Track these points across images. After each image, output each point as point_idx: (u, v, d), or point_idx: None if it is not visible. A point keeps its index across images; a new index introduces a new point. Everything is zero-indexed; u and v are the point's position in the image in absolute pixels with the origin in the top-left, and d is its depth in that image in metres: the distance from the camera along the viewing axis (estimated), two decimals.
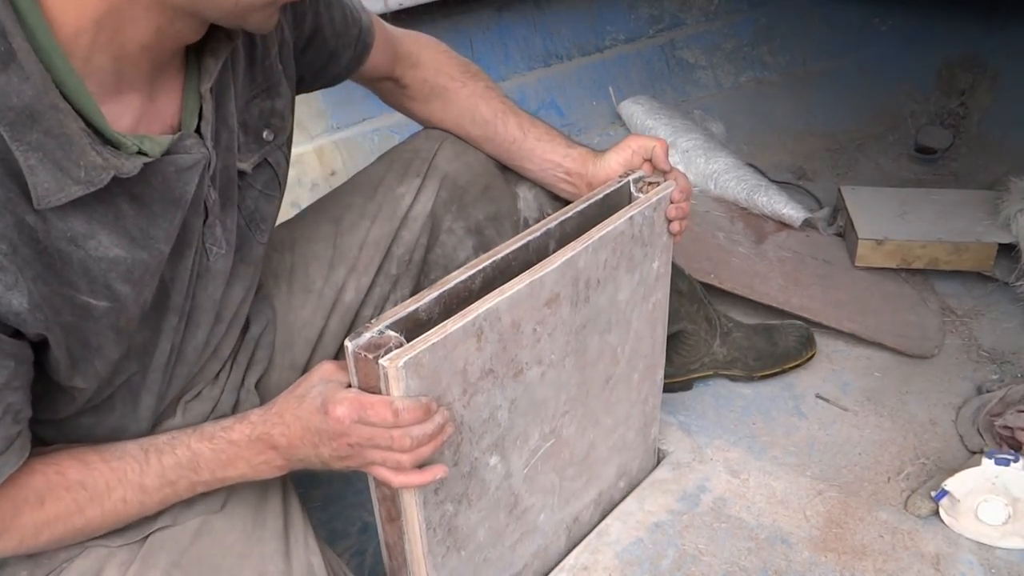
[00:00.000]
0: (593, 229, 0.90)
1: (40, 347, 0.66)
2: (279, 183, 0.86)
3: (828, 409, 1.36)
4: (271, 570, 0.80)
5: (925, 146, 2.33)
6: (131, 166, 0.65)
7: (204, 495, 0.83)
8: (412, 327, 0.74)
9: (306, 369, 0.98)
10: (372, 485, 0.81)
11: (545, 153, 1.05)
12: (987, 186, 1.88)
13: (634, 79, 2.32)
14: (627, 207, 0.95)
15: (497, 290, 0.79)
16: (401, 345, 0.71)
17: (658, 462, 1.24)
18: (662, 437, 1.27)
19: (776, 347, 1.39)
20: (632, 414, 1.10)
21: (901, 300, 1.61)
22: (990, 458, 1.08)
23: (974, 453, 1.23)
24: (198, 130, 0.73)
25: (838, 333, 1.51)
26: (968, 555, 1.07)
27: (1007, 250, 1.63)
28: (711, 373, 1.38)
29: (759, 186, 1.84)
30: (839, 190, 1.84)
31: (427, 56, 1.07)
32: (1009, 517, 1.07)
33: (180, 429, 0.79)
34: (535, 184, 1.10)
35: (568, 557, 1.07)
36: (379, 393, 0.72)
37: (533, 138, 1.06)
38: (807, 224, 1.80)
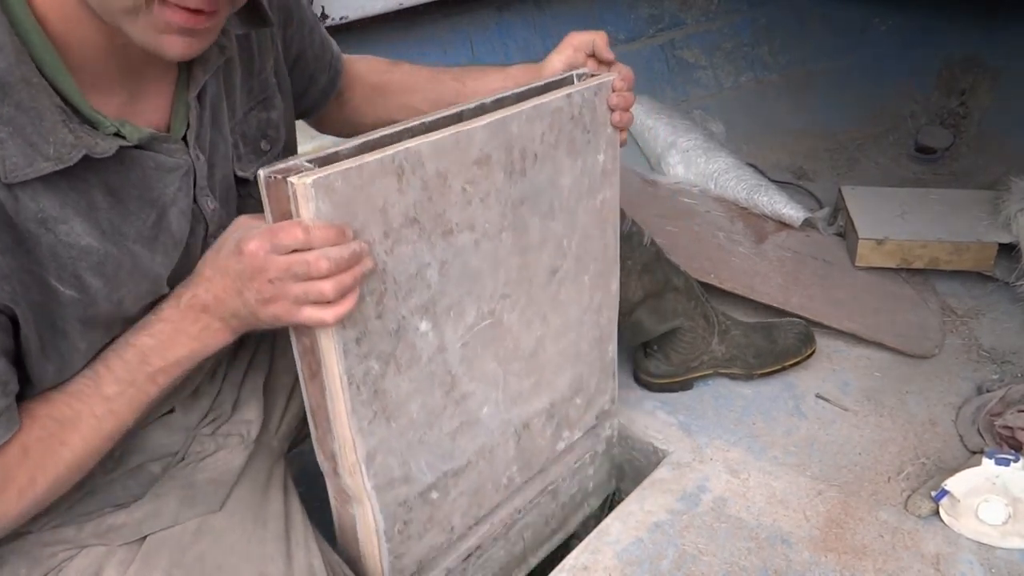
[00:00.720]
0: (529, 100, 0.90)
1: (13, 325, 0.65)
2: None
3: (828, 409, 1.36)
4: (271, 570, 0.80)
5: (925, 146, 2.33)
6: (106, 146, 0.65)
7: (202, 494, 0.83)
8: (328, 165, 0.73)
9: None
10: (294, 341, 0.79)
11: (488, 87, 1.07)
12: (987, 186, 1.87)
13: (634, 79, 2.32)
14: (567, 87, 0.95)
15: (421, 135, 0.79)
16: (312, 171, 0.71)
17: (661, 460, 1.24)
18: (662, 437, 1.27)
19: (775, 344, 1.39)
20: (585, 321, 1.09)
21: (901, 300, 1.61)
22: (990, 458, 1.08)
23: (974, 453, 1.23)
24: (185, 137, 0.74)
25: (838, 333, 1.51)
26: (968, 555, 1.07)
27: (1007, 250, 1.63)
28: (711, 372, 1.38)
29: (759, 186, 1.85)
30: (839, 190, 1.84)
31: (360, 67, 1.10)
32: (1009, 517, 1.07)
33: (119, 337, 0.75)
34: None
35: (568, 557, 1.08)
36: (290, 218, 0.70)
37: (471, 80, 1.08)
38: (807, 224, 1.80)
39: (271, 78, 0.86)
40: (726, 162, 1.92)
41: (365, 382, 0.80)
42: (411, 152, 0.76)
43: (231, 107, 0.80)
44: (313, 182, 0.68)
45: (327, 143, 1.78)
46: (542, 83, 0.96)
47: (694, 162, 1.93)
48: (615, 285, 1.13)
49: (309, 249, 0.68)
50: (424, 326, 0.85)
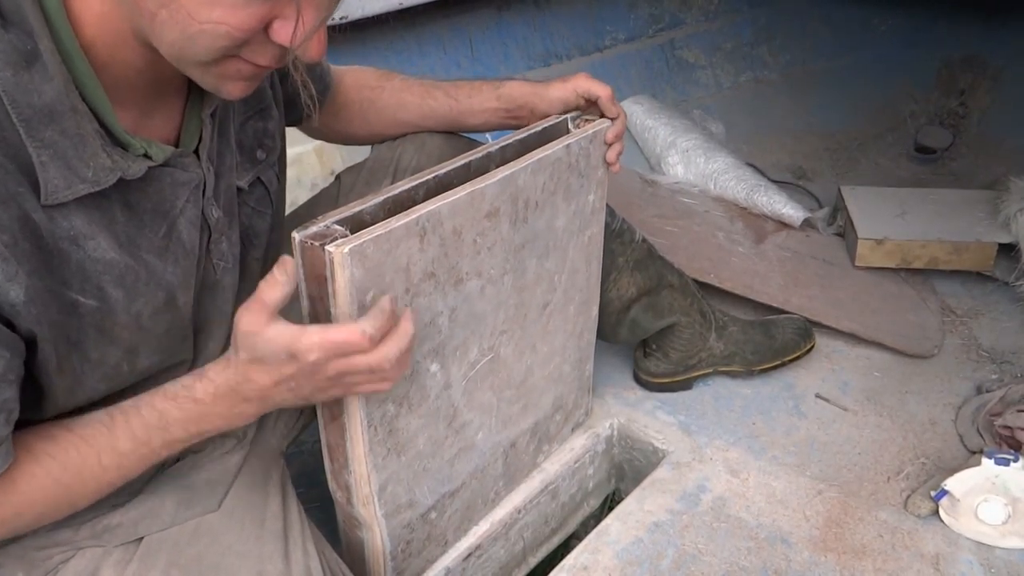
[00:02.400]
0: (532, 152, 0.94)
1: (28, 347, 0.65)
2: (271, 200, 0.89)
3: (828, 409, 1.36)
4: (269, 570, 0.80)
5: (925, 146, 2.32)
6: (137, 169, 0.67)
7: (200, 495, 0.83)
8: (356, 227, 0.76)
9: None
10: None
11: (481, 104, 1.09)
12: (987, 186, 1.87)
13: (634, 79, 2.32)
14: (565, 136, 0.99)
15: (440, 196, 0.82)
16: (346, 237, 0.74)
17: (660, 460, 1.24)
18: (662, 437, 1.27)
19: (774, 340, 1.39)
20: (568, 346, 1.14)
21: (901, 300, 1.61)
22: (990, 458, 1.08)
23: (974, 453, 1.23)
24: (196, 151, 0.75)
25: (838, 333, 1.51)
26: (968, 555, 1.07)
27: (1007, 250, 1.62)
28: (710, 371, 1.38)
29: (759, 186, 1.84)
30: (839, 190, 1.84)
31: (349, 78, 1.11)
32: (1009, 517, 1.07)
33: (143, 393, 0.74)
34: None
35: (568, 557, 1.08)
36: (324, 282, 0.72)
37: (465, 96, 1.09)
38: (807, 224, 1.80)
39: (268, 88, 0.88)
40: (726, 162, 1.92)
41: (382, 423, 0.84)
42: (433, 214, 0.80)
43: (232, 117, 0.82)
44: (349, 251, 0.71)
45: (325, 143, 1.78)
46: (539, 128, 1.00)
47: (694, 162, 1.93)
48: (595, 310, 1.19)
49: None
50: (434, 368, 0.89)
